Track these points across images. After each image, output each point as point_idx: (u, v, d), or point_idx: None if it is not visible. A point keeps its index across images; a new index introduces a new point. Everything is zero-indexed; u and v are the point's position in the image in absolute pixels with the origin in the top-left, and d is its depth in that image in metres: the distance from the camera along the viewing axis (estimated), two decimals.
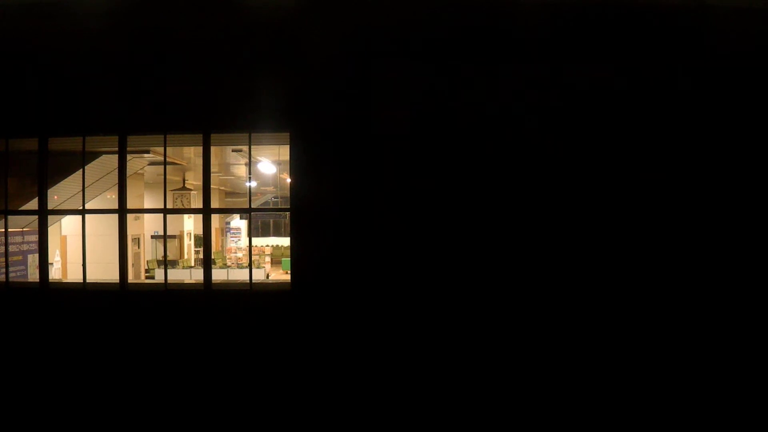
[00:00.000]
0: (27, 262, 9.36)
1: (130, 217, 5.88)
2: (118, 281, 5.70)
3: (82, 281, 5.79)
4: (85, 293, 5.68)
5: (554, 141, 5.31)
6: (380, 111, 5.36)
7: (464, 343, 5.29)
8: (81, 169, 5.88)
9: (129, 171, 5.98)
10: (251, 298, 5.59)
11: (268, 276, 16.33)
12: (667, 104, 5.29)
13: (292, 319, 5.44)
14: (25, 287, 6.21)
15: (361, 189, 5.40)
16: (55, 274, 10.85)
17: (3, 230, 6.33)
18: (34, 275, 8.66)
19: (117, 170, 5.70)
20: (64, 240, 12.10)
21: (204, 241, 5.99)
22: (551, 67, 5.30)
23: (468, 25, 5.35)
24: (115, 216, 5.73)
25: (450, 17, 5.34)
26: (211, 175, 5.82)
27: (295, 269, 5.51)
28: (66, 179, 7.51)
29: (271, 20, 5.38)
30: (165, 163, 6.01)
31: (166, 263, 6.15)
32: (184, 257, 18.85)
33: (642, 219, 5.28)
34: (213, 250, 13.65)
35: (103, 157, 7.43)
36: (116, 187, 5.80)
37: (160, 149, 6.02)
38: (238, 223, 24.44)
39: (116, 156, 5.70)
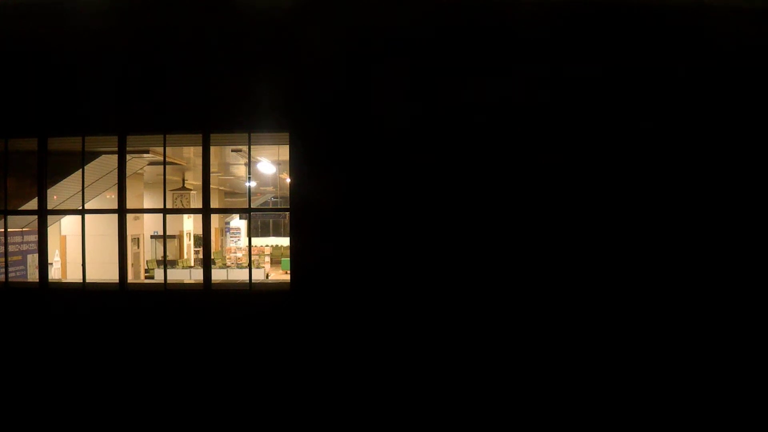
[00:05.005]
0: (26, 262, 9.37)
1: (129, 217, 5.88)
2: (117, 281, 5.70)
3: (81, 281, 5.78)
4: (84, 293, 5.67)
5: (555, 140, 5.31)
6: (380, 111, 5.36)
7: (463, 343, 5.28)
8: (80, 169, 5.87)
9: (128, 171, 5.97)
10: (251, 297, 5.59)
11: (267, 276, 16.34)
12: (667, 104, 5.29)
13: (291, 319, 5.44)
14: (25, 287, 6.19)
15: (361, 189, 5.40)
16: (54, 274, 10.86)
17: (2, 230, 6.33)
18: (33, 275, 8.67)
19: (117, 170, 5.71)
20: (63, 240, 12.11)
21: (204, 241, 5.99)
22: (551, 66, 5.30)
23: (468, 24, 5.34)
24: (115, 216, 5.74)
25: (450, 16, 5.34)
26: (211, 175, 5.82)
27: (295, 269, 5.51)
28: (65, 179, 7.51)
29: (271, 20, 5.37)
30: (165, 163, 6.01)
31: (165, 263, 6.14)
32: (183, 257, 18.88)
33: (640, 218, 5.28)
34: (212, 250, 13.64)
35: (103, 157, 7.42)
36: (116, 187, 5.79)
37: (160, 149, 6.02)
38: (238, 223, 24.49)
39: (116, 156, 5.70)
